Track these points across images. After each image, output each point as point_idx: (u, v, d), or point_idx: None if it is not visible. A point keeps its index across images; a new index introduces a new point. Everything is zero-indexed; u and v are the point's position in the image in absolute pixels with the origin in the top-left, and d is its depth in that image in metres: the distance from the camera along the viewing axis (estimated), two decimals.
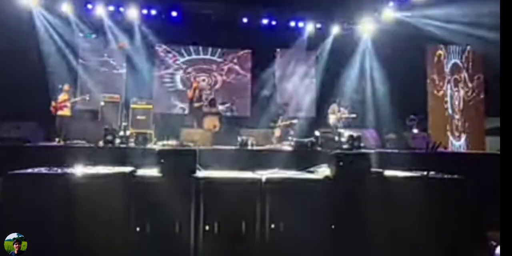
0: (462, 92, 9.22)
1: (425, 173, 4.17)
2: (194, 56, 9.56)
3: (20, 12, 7.85)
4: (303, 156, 5.11)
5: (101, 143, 5.23)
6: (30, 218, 3.27)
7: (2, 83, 7.30)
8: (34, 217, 3.28)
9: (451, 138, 8.93)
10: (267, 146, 6.11)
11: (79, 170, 3.65)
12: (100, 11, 8.43)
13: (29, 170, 3.58)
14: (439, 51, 9.30)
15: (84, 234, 3.31)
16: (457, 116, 9.13)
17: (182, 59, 9.53)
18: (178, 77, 9.49)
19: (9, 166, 3.57)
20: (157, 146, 5.46)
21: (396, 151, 5.97)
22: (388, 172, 4.12)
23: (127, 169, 3.75)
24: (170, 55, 9.52)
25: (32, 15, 8.19)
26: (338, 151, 5.19)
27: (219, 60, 9.70)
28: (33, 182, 3.41)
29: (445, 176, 4.15)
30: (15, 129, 5.13)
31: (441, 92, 9.15)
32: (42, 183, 3.42)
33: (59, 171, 3.58)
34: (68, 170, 3.60)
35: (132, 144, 5.44)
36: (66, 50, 8.50)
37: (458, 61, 9.38)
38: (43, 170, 3.61)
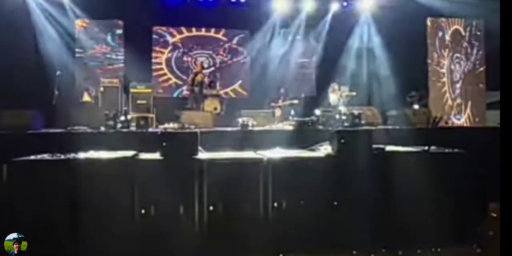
0: (462, 66, 9.12)
1: (426, 148, 4.19)
2: (194, 33, 9.44)
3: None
4: (305, 135, 5.12)
5: (102, 128, 5.24)
6: (35, 203, 3.32)
7: (2, 73, 7.25)
8: (39, 203, 3.33)
9: (452, 113, 8.90)
10: (268, 127, 6.12)
11: (82, 155, 3.68)
12: None
13: (33, 157, 3.61)
14: (440, 25, 9.13)
15: (89, 218, 3.37)
16: (457, 91, 9.07)
17: (180, 36, 9.36)
18: (176, 59, 9.39)
19: (12, 153, 3.60)
20: (159, 129, 5.47)
21: (397, 127, 5.97)
22: (390, 148, 4.14)
23: (130, 153, 3.78)
24: (169, 36, 9.38)
25: (26, 2, 8.04)
26: (339, 128, 5.20)
27: (219, 38, 9.57)
28: (37, 168, 3.45)
29: (446, 150, 4.17)
30: (16, 117, 5.14)
31: (442, 67, 9.05)
32: (46, 169, 3.46)
33: (62, 157, 3.61)
34: (71, 156, 3.63)
35: (133, 128, 5.45)
36: (62, 36, 8.39)
37: (459, 35, 9.22)
38: (46, 156, 3.64)
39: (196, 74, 7.98)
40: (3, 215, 3.31)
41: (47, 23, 8.20)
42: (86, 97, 7.28)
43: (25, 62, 7.65)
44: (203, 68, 8.44)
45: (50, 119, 5.79)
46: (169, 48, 9.44)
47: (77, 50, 8.68)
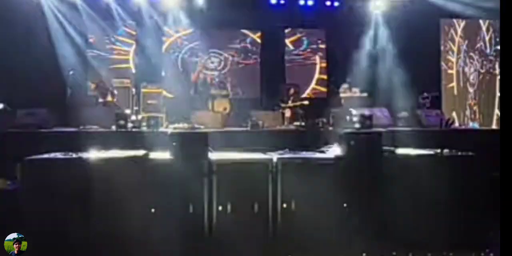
0: (477, 68, 8.98)
1: (438, 151, 4.13)
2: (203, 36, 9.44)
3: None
4: (314, 136, 5.09)
5: (113, 128, 5.29)
6: (47, 202, 3.37)
7: (14, 72, 7.38)
8: (51, 201, 3.38)
9: (465, 115, 8.77)
10: (278, 127, 6.10)
11: (94, 154, 3.72)
12: None
13: (45, 156, 3.67)
14: (454, 26, 9.01)
15: (100, 217, 3.41)
16: (471, 93, 8.93)
17: (184, 32, 9.36)
18: (184, 59, 9.41)
19: (26, 151, 3.67)
20: (169, 129, 5.50)
21: (408, 129, 5.91)
22: (401, 151, 4.09)
23: (140, 152, 3.81)
24: (179, 36, 9.38)
25: (40, 4, 8.17)
26: (349, 130, 5.17)
27: (229, 39, 9.55)
28: (50, 167, 3.50)
29: (459, 153, 4.10)
30: (28, 116, 5.22)
31: (455, 69, 8.92)
32: (58, 167, 3.51)
33: (74, 156, 3.65)
34: (83, 155, 3.67)
35: (144, 128, 5.49)
36: (75, 36, 8.50)
37: (473, 36, 9.08)
38: (58, 155, 3.69)
39: (198, 73, 7.98)
40: (16, 212, 3.37)
41: (61, 23, 8.31)
42: (109, 97, 7.35)
43: (39, 62, 7.77)
44: (205, 67, 8.44)
45: (62, 118, 5.87)
46: (179, 48, 9.45)
47: (89, 50, 8.79)
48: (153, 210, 3.49)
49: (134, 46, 9.02)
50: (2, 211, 3.57)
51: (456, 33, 9.07)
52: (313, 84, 9.60)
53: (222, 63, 9.57)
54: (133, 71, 8.92)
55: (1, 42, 7.48)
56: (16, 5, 7.55)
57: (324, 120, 5.87)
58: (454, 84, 8.86)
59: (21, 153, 3.59)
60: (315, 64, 9.76)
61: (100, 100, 7.17)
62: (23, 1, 7.73)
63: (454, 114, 8.22)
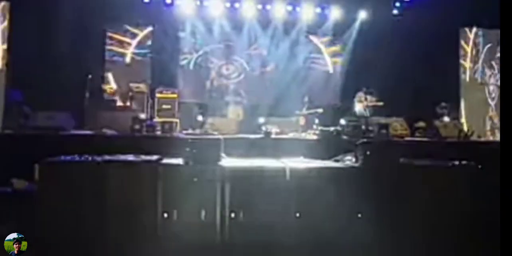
0: (497, 78, 8.76)
1: (456, 162, 4.03)
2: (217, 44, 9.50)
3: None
4: (329, 145, 5.05)
5: (129, 132, 5.36)
6: (63, 203, 3.42)
7: (36, 76, 7.57)
8: (67, 203, 3.42)
9: (485, 127, 8.52)
10: (292, 135, 6.07)
11: (109, 158, 3.76)
12: None
13: (63, 158, 3.72)
14: (474, 34, 8.84)
15: (113, 220, 3.43)
16: (491, 104, 8.71)
17: (205, 43, 9.44)
18: (200, 65, 9.48)
19: (45, 153, 3.73)
20: (183, 134, 5.54)
21: (425, 139, 5.80)
22: (417, 162, 4.02)
23: (154, 157, 3.83)
24: (193, 41, 9.46)
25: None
26: (365, 140, 5.10)
27: (245, 45, 9.58)
28: (67, 169, 3.56)
29: (478, 165, 4.00)
30: (49, 119, 5.34)
31: (475, 78, 8.73)
32: (75, 170, 3.56)
33: (91, 158, 3.70)
34: (99, 158, 3.71)
35: (158, 133, 5.54)
36: (94, 41, 8.69)
37: (494, 45, 8.89)
38: (76, 157, 3.75)
39: (212, 80, 8.08)
40: (33, 212, 3.42)
41: (81, 28, 8.51)
42: (128, 102, 7.47)
43: (60, 66, 7.97)
44: (220, 74, 8.52)
45: (80, 121, 5.98)
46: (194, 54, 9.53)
47: (108, 54, 8.96)
48: (165, 215, 3.49)
49: (150, 51, 9.16)
50: (21, 211, 3.63)
51: (476, 42, 8.90)
52: (328, 92, 9.55)
53: (237, 69, 9.62)
54: (149, 76, 9.03)
55: (24, 47, 7.70)
56: (41, 11, 7.79)
57: (339, 128, 5.81)
58: (474, 94, 8.65)
59: (40, 155, 3.65)
60: (331, 71, 9.72)
61: (120, 104, 7.28)
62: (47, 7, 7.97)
63: (471, 126, 7.99)
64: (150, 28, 8.99)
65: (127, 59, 9.13)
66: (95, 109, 7.25)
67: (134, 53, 9.15)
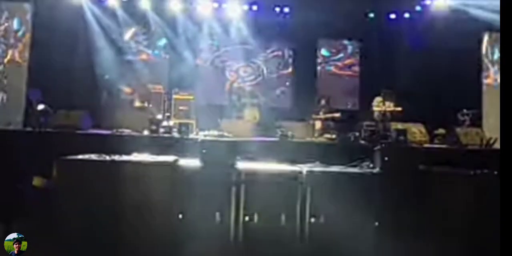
0: None
1: (478, 171, 3.91)
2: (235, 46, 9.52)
3: (70, 5, 8.26)
4: (346, 150, 4.96)
5: (146, 132, 5.39)
6: (79, 201, 3.45)
7: (55, 75, 7.74)
8: (83, 200, 3.45)
9: None
10: (308, 139, 6.01)
11: (126, 157, 3.79)
12: (145, 4, 8.69)
13: (80, 156, 3.77)
14: (496, 41, 8.62)
15: (129, 219, 3.45)
16: None
17: (222, 45, 9.47)
18: (218, 67, 9.51)
19: (62, 151, 3.78)
20: (199, 136, 5.54)
21: (445, 146, 5.65)
22: (437, 169, 3.92)
23: (171, 158, 3.84)
24: (210, 43, 9.49)
25: (82, 8, 8.58)
26: (383, 145, 5.00)
27: (263, 48, 9.57)
28: (84, 168, 3.60)
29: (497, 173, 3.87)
30: (68, 118, 5.42)
31: (498, 85, 8.49)
32: (92, 169, 3.59)
33: (107, 158, 3.73)
34: (116, 157, 3.74)
35: (175, 134, 5.56)
36: (113, 42, 8.84)
37: None
38: (93, 156, 3.79)
39: (231, 83, 8.10)
40: (49, 208, 3.47)
41: (100, 29, 8.68)
42: (146, 103, 7.55)
43: (79, 66, 8.14)
44: (238, 76, 8.53)
45: (98, 120, 6.05)
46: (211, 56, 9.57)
47: (125, 55, 9.11)
48: (180, 216, 3.49)
49: (167, 52, 9.26)
50: (39, 208, 3.69)
51: (499, 48, 8.67)
52: (346, 96, 9.45)
53: (255, 72, 9.62)
54: (166, 77, 9.12)
55: (44, 47, 7.89)
56: (60, 12, 7.96)
57: (356, 133, 5.71)
58: (497, 101, 8.39)
59: (58, 152, 3.70)
60: (349, 75, 9.63)
61: (137, 104, 7.35)
62: (66, 8, 8.13)
63: (494, 134, 7.76)
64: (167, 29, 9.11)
65: (145, 60, 9.26)
66: (112, 109, 7.35)
67: (151, 54, 9.27)
